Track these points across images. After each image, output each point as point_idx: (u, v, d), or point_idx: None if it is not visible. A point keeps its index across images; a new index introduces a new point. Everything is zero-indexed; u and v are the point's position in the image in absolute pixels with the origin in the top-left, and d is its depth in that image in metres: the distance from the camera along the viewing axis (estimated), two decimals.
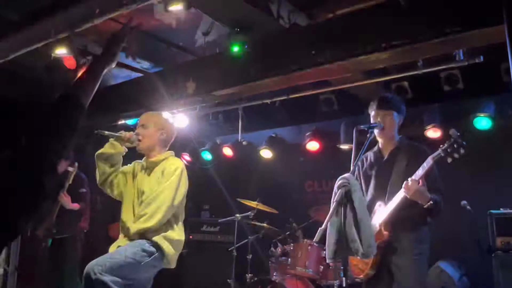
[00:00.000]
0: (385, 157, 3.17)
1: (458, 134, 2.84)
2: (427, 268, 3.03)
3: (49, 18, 3.79)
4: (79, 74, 1.60)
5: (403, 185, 2.88)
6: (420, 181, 2.85)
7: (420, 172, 2.87)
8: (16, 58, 4.27)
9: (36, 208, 1.33)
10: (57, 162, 1.36)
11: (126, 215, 3.04)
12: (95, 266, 2.62)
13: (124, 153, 3.18)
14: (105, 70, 1.66)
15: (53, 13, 3.75)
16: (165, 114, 3.43)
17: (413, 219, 2.98)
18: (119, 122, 5.60)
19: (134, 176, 3.18)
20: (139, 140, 3.08)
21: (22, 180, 1.29)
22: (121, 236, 3.02)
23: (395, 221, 2.97)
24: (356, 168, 3.06)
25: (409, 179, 2.86)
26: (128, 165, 3.26)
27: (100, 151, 3.12)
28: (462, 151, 2.78)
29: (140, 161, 3.25)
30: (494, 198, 4.38)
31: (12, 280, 5.39)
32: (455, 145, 2.79)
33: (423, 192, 2.85)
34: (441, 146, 2.88)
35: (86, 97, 1.52)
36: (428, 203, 2.85)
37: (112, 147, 3.10)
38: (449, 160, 2.81)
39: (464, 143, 2.79)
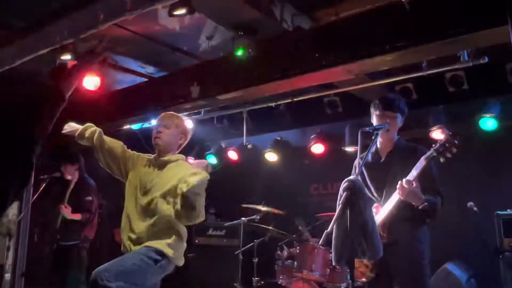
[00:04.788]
0: (382, 159, 3.14)
1: (450, 133, 2.83)
2: (429, 268, 2.99)
3: (54, 25, 3.82)
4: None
5: (397, 187, 2.86)
6: (414, 182, 2.83)
7: (414, 173, 2.85)
8: (22, 64, 4.30)
9: None
10: None
11: (130, 209, 3.02)
12: (102, 272, 2.62)
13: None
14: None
15: (58, 20, 3.77)
16: (186, 120, 3.50)
17: (412, 220, 2.95)
18: (124, 127, 5.62)
19: (133, 167, 3.15)
20: (159, 137, 3.08)
21: None
22: (124, 233, 3.00)
23: (392, 223, 2.94)
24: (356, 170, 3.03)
25: (403, 180, 2.83)
26: (134, 152, 3.24)
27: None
28: (454, 150, 2.77)
29: (145, 155, 3.24)
30: (501, 199, 4.35)
31: (19, 286, 5.40)
32: (447, 144, 2.78)
33: (416, 193, 2.82)
34: (433, 145, 2.86)
35: None
36: (422, 205, 2.83)
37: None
38: (442, 159, 2.81)
39: (456, 142, 2.78)
